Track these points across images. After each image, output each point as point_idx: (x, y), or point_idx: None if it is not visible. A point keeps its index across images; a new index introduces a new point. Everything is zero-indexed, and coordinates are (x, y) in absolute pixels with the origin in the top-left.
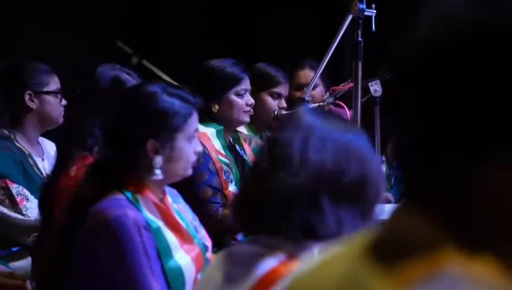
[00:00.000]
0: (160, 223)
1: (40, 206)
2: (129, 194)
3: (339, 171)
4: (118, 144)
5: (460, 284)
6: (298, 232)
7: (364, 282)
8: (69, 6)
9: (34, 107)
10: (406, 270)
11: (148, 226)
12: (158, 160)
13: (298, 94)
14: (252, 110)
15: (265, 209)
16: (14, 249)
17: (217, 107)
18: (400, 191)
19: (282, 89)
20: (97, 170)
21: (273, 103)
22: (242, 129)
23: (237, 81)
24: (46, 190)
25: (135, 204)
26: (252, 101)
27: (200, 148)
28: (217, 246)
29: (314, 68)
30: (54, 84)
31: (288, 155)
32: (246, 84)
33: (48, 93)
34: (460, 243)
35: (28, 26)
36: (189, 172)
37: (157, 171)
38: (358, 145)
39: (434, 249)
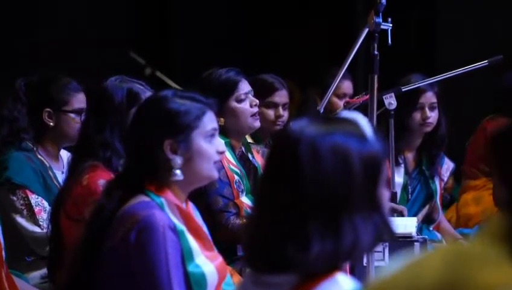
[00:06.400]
0: (183, 227)
1: (51, 216)
2: (153, 195)
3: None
4: (137, 148)
5: None
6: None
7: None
8: (82, 17)
9: (52, 124)
10: None
11: (174, 227)
12: (177, 160)
13: (340, 102)
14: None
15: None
16: (28, 259)
17: (222, 120)
18: (419, 202)
19: (277, 97)
20: (120, 178)
21: (269, 113)
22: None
23: (234, 86)
24: (56, 200)
25: (161, 207)
26: (256, 101)
27: (223, 149)
28: (229, 256)
29: (351, 79)
30: (77, 103)
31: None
32: (244, 88)
33: (67, 112)
34: None
35: (40, 38)
36: (215, 174)
37: (177, 172)
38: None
39: None
